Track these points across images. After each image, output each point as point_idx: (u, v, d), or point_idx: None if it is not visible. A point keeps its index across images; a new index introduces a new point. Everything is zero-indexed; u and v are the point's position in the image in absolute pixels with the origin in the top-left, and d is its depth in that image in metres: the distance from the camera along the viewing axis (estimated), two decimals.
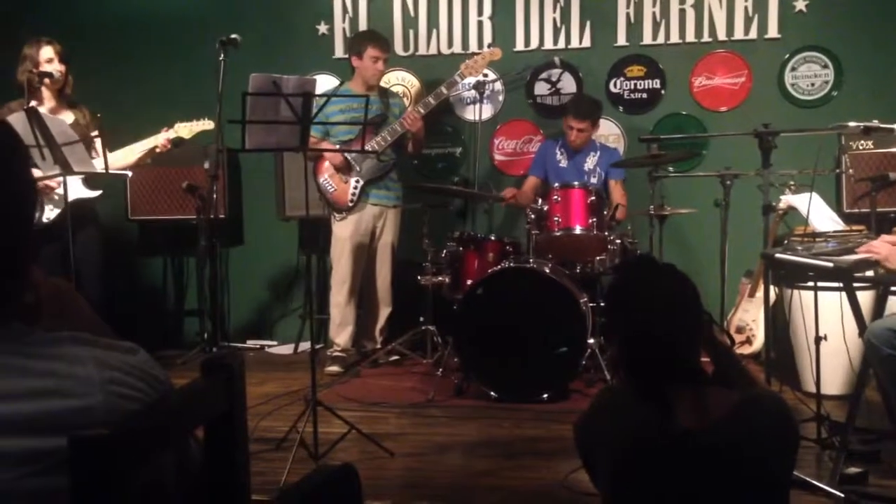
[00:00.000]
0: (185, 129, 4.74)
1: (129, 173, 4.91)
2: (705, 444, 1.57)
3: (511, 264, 4.38)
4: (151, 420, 1.04)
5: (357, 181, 4.98)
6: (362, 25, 5.75)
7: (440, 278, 4.74)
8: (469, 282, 4.47)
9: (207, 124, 4.78)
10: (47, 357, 1.03)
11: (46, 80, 4.47)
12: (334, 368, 4.92)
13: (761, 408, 1.65)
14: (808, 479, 2.89)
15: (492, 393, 4.20)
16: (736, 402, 1.64)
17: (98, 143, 4.34)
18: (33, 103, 4.28)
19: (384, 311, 5.19)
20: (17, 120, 3.89)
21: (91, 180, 4.52)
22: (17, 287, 1.07)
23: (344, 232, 5.01)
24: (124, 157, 4.58)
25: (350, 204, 4.98)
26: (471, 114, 5.71)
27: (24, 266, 1.08)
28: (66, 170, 3.94)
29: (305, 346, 5.46)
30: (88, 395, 1.01)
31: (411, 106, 5.37)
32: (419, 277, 4.81)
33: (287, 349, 5.71)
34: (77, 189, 4.45)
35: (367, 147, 4.76)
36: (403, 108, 5.18)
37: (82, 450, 0.88)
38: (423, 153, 5.67)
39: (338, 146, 4.91)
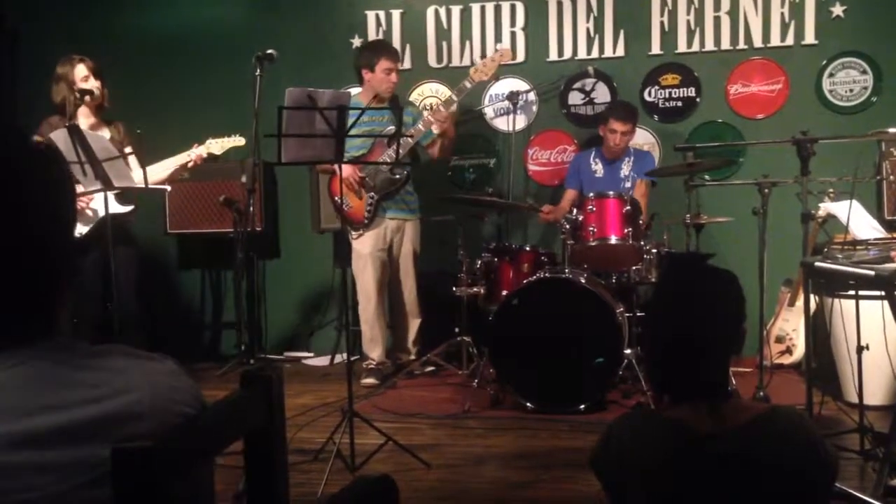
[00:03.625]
0: (217, 145, 4.75)
1: (168, 187, 4.97)
2: (724, 450, 1.57)
3: (546, 275, 4.37)
4: (194, 431, 1.05)
5: (371, 196, 4.96)
6: (396, 38, 5.78)
7: (475, 289, 4.73)
8: (504, 292, 4.46)
9: (238, 140, 4.80)
10: (95, 368, 1.05)
11: (87, 98, 4.51)
12: (370, 380, 4.93)
13: (781, 420, 1.64)
14: (851, 491, 2.84)
15: (528, 404, 4.19)
16: (756, 413, 1.65)
17: (132, 159, 4.38)
18: (73, 121, 4.34)
19: (414, 323, 5.19)
20: (59, 137, 3.96)
21: (124, 195, 4.56)
22: (59, 301, 1.09)
23: (364, 248, 4.99)
24: (156, 174, 4.62)
25: (366, 221, 4.97)
26: (504, 124, 5.71)
27: (64, 281, 1.11)
28: (107, 185, 4.00)
29: (341, 357, 5.48)
30: (137, 403, 1.04)
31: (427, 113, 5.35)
32: (454, 288, 4.81)
33: (323, 361, 5.74)
34: (110, 205, 4.44)
35: (381, 160, 4.75)
36: (417, 115, 5.07)
37: (124, 460, 0.89)
38: (458, 164, 5.69)
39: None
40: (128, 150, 4.38)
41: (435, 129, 4.88)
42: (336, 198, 4.92)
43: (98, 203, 4.30)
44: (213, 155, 4.81)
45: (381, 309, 5.06)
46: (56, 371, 1.02)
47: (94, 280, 4.51)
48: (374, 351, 5.05)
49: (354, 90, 5.45)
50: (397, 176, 4.96)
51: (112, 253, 4.06)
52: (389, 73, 4.92)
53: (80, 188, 4.29)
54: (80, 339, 1.10)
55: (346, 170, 4.80)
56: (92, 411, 1.00)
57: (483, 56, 5.70)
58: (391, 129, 4.80)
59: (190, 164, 4.70)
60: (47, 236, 1.07)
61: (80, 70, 4.52)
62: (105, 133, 4.61)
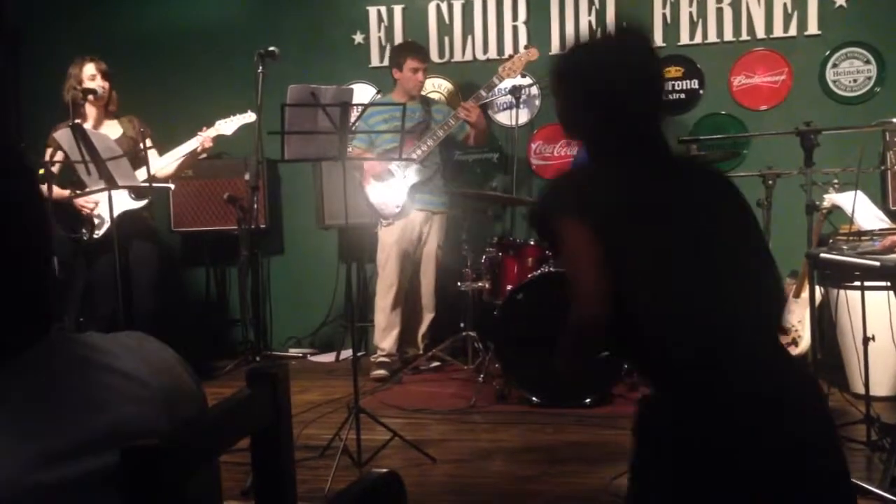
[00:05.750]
0: (227, 126, 4.74)
1: (172, 186, 4.97)
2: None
3: (551, 269, 4.37)
4: (201, 429, 1.06)
5: (402, 188, 5.02)
6: (398, 34, 5.78)
7: (480, 284, 4.74)
8: (509, 287, 4.46)
9: (249, 117, 4.77)
10: (98, 368, 1.05)
11: (90, 97, 4.53)
12: (381, 372, 4.94)
13: None
14: (858, 482, 2.84)
15: (533, 398, 4.19)
16: None
17: (151, 153, 4.37)
18: (77, 120, 4.35)
19: (427, 317, 5.21)
20: (63, 136, 3.97)
21: (136, 190, 4.57)
22: (52, 304, 1.10)
23: (390, 237, 5.04)
24: (166, 166, 4.63)
25: (396, 209, 5.02)
26: (507, 119, 5.70)
27: (50, 284, 1.11)
28: (111, 184, 4.00)
29: (347, 353, 5.49)
30: (147, 399, 1.05)
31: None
32: (459, 283, 4.82)
33: (329, 357, 5.74)
34: (124, 201, 4.49)
35: (412, 154, 4.81)
36: (447, 112, 5.19)
37: (133, 459, 0.90)
38: (461, 159, 5.68)
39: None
40: (148, 142, 4.38)
41: (467, 118, 5.03)
42: (368, 188, 5.04)
43: (103, 207, 4.29)
44: (223, 137, 4.78)
45: (399, 300, 5.08)
46: (59, 380, 1.01)
47: (108, 279, 4.49)
48: (386, 341, 5.06)
49: (358, 86, 5.48)
50: (426, 167, 5.03)
51: (129, 249, 4.05)
52: (416, 73, 5.04)
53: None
54: (79, 337, 1.10)
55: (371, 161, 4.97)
56: (104, 419, 0.99)
57: (485, 51, 5.71)
58: (421, 123, 4.97)
59: (199, 149, 4.70)
60: (38, 234, 1.06)
61: (89, 69, 4.58)
62: (117, 128, 4.63)
